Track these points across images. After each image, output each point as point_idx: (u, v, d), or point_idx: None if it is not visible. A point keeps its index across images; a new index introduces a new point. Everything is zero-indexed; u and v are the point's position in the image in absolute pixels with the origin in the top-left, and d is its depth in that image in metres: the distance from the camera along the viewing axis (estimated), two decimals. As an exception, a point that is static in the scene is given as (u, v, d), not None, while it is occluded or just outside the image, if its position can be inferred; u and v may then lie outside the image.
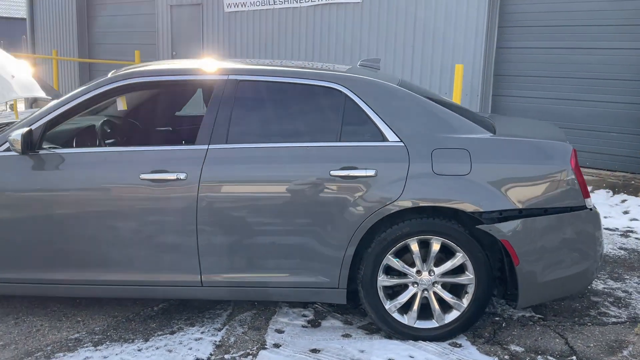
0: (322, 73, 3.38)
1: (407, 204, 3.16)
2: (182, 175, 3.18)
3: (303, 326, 3.48)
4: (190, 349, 3.19)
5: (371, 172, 3.17)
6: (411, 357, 3.14)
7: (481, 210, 3.15)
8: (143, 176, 3.19)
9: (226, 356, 3.13)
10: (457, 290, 3.31)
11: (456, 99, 6.88)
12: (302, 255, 3.25)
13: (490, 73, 7.91)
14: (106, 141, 3.81)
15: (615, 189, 6.56)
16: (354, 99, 3.29)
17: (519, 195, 3.18)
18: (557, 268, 3.27)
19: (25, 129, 3.18)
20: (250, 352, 3.17)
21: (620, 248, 4.92)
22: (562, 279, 3.30)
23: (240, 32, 10.32)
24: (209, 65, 3.48)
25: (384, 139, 3.24)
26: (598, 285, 4.12)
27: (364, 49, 8.88)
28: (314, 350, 3.20)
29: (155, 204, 3.20)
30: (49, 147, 3.30)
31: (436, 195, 3.16)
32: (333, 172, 3.17)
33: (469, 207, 3.15)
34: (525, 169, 3.21)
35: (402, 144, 3.22)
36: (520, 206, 3.18)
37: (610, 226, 5.52)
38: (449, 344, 3.28)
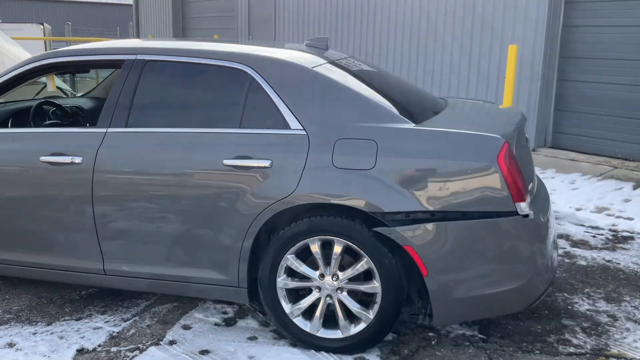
0: (227, 52, 3.11)
1: (300, 199, 2.82)
2: (77, 159, 3.08)
3: (216, 324, 3.27)
4: (82, 337, 3.11)
5: (266, 163, 2.87)
6: (298, 371, 2.83)
7: (383, 210, 2.74)
8: (43, 158, 3.13)
9: (113, 349, 3.01)
10: (368, 299, 2.93)
11: (509, 83, 6.24)
12: (197, 249, 3.03)
13: (555, 55, 7.05)
14: (44, 123, 3.82)
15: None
16: (259, 81, 2.99)
17: (432, 196, 2.72)
18: (481, 283, 2.77)
19: None
20: (140, 347, 3.03)
21: (647, 262, 4.15)
22: (490, 296, 2.79)
23: (312, 11, 10.13)
24: (124, 45, 3.35)
25: (286, 126, 2.91)
26: (582, 304, 3.48)
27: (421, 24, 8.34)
28: (204, 352, 2.98)
29: (54, 188, 3.14)
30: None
31: (332, 190, 2.79)
32: (226, 162, 2.91)
33: (368, 206, 2.75)
34: (440, 165, 2.73)
35: (304, 132, 2.88)
36: (432, 208, 2.72)
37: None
38: (354, 359, 2.91)
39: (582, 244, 4.49)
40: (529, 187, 2.96)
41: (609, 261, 4.15)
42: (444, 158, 2.73)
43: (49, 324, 3.25)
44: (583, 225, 4.91)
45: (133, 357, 2.94)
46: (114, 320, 3.30)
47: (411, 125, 2.85)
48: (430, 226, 2.72)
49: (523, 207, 2.71)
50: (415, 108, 3.12)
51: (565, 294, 3.61)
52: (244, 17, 11.73)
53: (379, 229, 2.74)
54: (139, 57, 3.18)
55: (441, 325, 3.09)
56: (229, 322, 3.29)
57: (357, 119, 2.87)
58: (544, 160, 6.83)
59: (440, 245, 2.72)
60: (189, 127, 3.03)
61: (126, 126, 3.09)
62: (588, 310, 3.41)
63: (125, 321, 3.29)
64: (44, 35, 24.27)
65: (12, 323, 3.25)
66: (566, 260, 4.15)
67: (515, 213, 2.71)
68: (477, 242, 2.73)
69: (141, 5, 15.45)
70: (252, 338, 3.12)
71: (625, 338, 3.11)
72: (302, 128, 2.88)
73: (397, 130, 2.82)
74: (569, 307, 3.45)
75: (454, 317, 2.88)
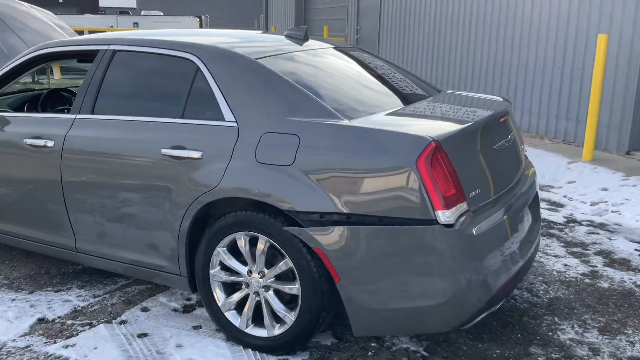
0: (178, 42, 3.12)
1: (224, 193, 2.78)
2: (50, 143, 3.30)
3: (174, 309, 3.34)
4: (49, 308, 3.34)
5: (197, 154, 2.86)
6: (213, 363, 2.80)
7: (297, 209, 2.60)
8: (26, 141, 3.40)
9: (69, 321, 3.20)
10: (294, 300, 2.81)
11: (597, 76, 5.64)
12: (144, 235, 3.10)
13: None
14: (50, 109, 4.11)
15: None
16: (203, 71, 2.98)
17: (349, 197, 2.54)
18: (399, 295, 2.54)
19: None
20: (93, 323, 3.18)
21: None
22: (410, 310, 2.55)
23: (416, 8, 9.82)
24: (101, 36, 3.51)
25: (221, 117, 2.88)
26: (568, 332, 3.04)
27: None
28: (142, 335, 3.06)
29: (34, 169, 3.39)
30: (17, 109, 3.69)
31: (251, 185, 2.71)
32: (164, 151, 2.95)
33: (282, 204, 2.63)
34: (358, 164, 2.53)
35: (235, 124, 2.82)
36: (347, 210, 2.54)
37: None
38: (278, 358, 2.82)
39: (620, 263, 3.91)
40: (488, 191, 2.67)
41: (639, 286, 3.57)
42: (363, 158, 2.52)
43: (31, 292, 3.54)
44: (638, 243, 4.27)
45: (81, 331, 3.11)
46: (86, 295, 3.50)
47: (338, 121, 2.67)
48: (343, 229, 2.54)
49: (445, 215, 2.43)
50: (364, 102, 2.92)
51: (556, 318, 3.18)
52: (353, 8, 11.68)
53: (288, 229, 2.62)
54: (111, 47, 3.32)
55: (361, 336, 2.87)
56: (187, 309, 3.35)
57: (287, 112, 2.75)
58: (635, 165, 6.01)
59: (353, 250, 2.53)
60: (141, 115, 3.11)
61: (92, 113, 3.25)
62: (570, 339, 2.98)
63: (94, 297, 3.48)
64: (202, 26, 26.14)
65: (2, 289, 3.59)
66: (586, 280, 3.65)
67: (436, 222, 2.44)
68: (393, 251, 2.50)
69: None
70: (197, 327, 3.14)
71: (592, 377, 2.68)
72: (234, 120, 2.83)
73: (320, 126, 2.66)
74: (550, 333, 3.03)
75: (373, 328, 2.66)
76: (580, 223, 4.72)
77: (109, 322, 3.20)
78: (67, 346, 2.97)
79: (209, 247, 2.90)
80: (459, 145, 2.61)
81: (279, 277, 2.79)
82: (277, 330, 2.82)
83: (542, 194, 5.41)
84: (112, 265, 3.31)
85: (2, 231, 3.69)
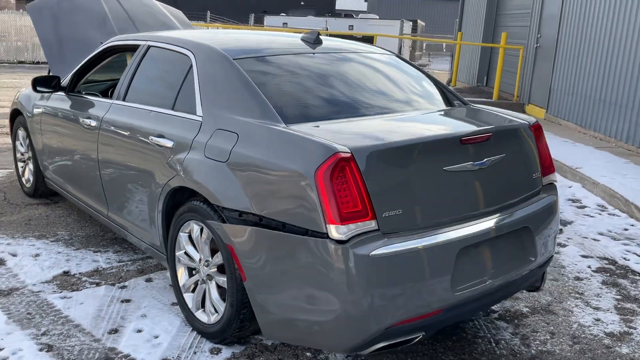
0: (182, 39, 3.39)
1: (179, 182, 2.99)
2: (93, 123, 3.81)
3: (171, 285, 3.63)
4: (78, 264, 3.85)
5: (170, 144, 3.10)
6: (155, 336, 3.02)
7: (222, 205, 2.70)
8: (81, 120, 3.96)
9: (84, 278, 3.66)
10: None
11: None
12: (143, 213, 3.43)
13: None
14: None
15: None
16: (193, 67, 3.20)
17: (263, 200, 2.57)
18: (298, 305, 2.50)
19: (55, 79, 4.34)
20: (100, 283, 3.61)
21: None
22: (303, 323, 2.50)
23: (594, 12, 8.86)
24: (143, 34, 3.90)
25: (194, 111, 3.07)
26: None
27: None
28: (125, 300, 3.40)
29: (86, 144, 3.93)
30: (81, 93, 4.36)
31: (196, 177, 2.87)
32: (152, 138, 3.24)
33: (213, 199, 2.74)
34: (273, 168, 2.53)
35: (200, 119, 3.00)
36: (260, 212, 2.56)
37: None
38: (211, 348, 2.94)
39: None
40: (420, 214, 2.49)
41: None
42: (278, 162, 2.53)
43: (77, 249, 4.11)
44: None
45: (86, 288, 3.55)
46: (113, 259, 3.96)
47: (274, 124, 2.68)
48: (253, 231, 2.57)
49: (339, 231, 2.32)
50: (327, 109, 2.88)
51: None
52: (536, 14, 10.87)
53: (210, 222, 2.72)
54: (147, 43, 3.70)
55: (270, 339, 2.81)
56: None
57: (237, 111, 2.85)
58: None
59: (259, 253, 2.56)
60: (149, 104, 3.44)
61: (124, 100, 3.68)
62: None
63: (119, 262, 3.93)
64: (417, 31, 26.54)
65: (59, 242, 4.22)
66: (605, 341, 3.10)
67: (327, 236, 2.35)
68: (291, 259, 2.47)
69: (467, 3, 15.54)
70: (175, 304, 3.38)
71: None
72: (201, 115, 3.01)
73: (254, 126, 2.72)
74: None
75: (278, 335, 2.65)
76: (667, 277, 3.96)
77: (112, 284, 3.61)
78: (64, 297, 3.43)
79: (174, 231, 3.13)
80: (385, 160, 2.46)
81: (221, 268, 2.90)
82: (213, 318, 2.94)
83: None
84: (128, 238, 3.71)
85: (68, 192, 4.35)
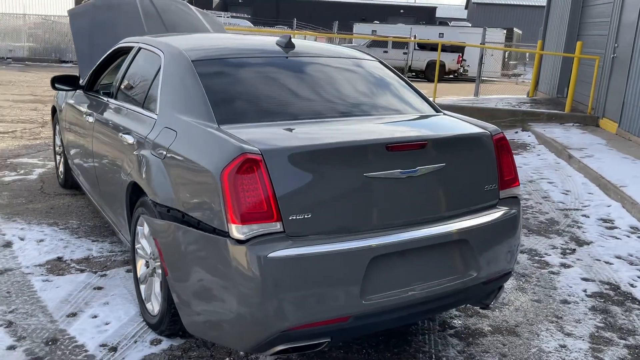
0: (157, 41, 3.53)
1: (127, 178, 3.13)
2: (90, 119, 4.06)
3: (149, 276, 3.80)
4: (73, 252, 4.10)
5: (131, 140, 3.25)
6: (106, 323, 3.17)
7: (156, 200, 2.80)
8: (85, 116, 4.23)
9: (72, 264, 3.90)
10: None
11: None
12: (117, 209, 3.61)
13: None
14: None
15: None
16: (161, 67, 3.33)
17: (185, 197, 2.65)
18: (206, 301, 2.55)
19: (73, 78, 4.66)
20: (83, 270, 3.82)
21: None
22: (218, 321, 2.56)
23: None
24: (139, 38, 4.08)
25: (155, 110, 3.20)
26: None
27: None
28: (97, 288, 3.58)
29: (88, 139, 4.18)
30: (97, 92, 4.65)
31: (140, 173, 3.00)
32: (121, 135, 3.41)
33: (150, 194, 2.86)
34: (194, 167, 2.61)
35: (156, 117, 3.12)
36: (182, 209, 2.64)
37: None
38: (153, 339, 3.05)
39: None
40: (332, 219, 2.48)
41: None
42: (197, 161, 2.60)
43: (78, 237, 4.38)
44: None
45: (70, 273, 3.78)
46: (106, 249, 4.19)
47: (207, 124, 2.74)
48: (174, 227, 2.66)
49: (240, 231, 2.35)
50: (268, 112, 2.90)
51: None
52: (614, 23, 10.19)
53: (143, 216, 2.83)
54: (139, 45, 3.89)
55: (192, 333, 2.82)
56: (158, 279, 3.77)
57: (181, 110, 2.95)
58: None
59: (178, 249, 2.64)
60: (130, 103, 3.61)
61: (115, 98, 3.89)
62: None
63: (110, 252, 4.14)
64: (512, 40, 25.77)
65: (66, 230, 4.51)
66: (561, 369, 2.90)
67: (228, 235, 2.38)
68: (202, 256, 2.53)
69: (552, 10, 14.84)
70: (142, 295, 3.54)
71: None
72: (157, 114, 3.13)
73: (189, 125, 2.81)
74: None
75: (195, 329, 2.70)
76: (670, 308, 3.62)
77: (94, 272, 3.82)
78: (45, 280, 3.68)
79: (134, 225, 3.27)
80: (297, 164, 2.45)
81: (164, 261, 3.00)
82: (155, 310, 3.05)
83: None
84: (117, 233, 3.92)
85: (82, 183, 4.65)
